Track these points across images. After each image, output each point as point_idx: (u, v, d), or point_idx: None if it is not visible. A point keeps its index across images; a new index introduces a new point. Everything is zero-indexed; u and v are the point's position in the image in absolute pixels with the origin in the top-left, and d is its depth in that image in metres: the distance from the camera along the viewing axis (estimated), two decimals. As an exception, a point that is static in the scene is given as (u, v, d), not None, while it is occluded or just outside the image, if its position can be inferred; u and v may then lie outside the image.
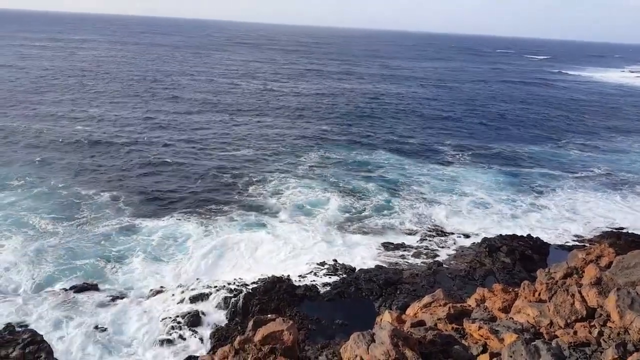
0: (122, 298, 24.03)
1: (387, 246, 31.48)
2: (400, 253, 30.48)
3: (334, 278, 26.72)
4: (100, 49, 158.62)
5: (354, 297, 24.59)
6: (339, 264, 28.48)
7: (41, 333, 19.99)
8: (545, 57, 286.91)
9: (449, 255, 30.43)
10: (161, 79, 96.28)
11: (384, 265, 28.35)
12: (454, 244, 32.37)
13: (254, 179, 42.10)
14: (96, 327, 21.49)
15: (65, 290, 24.17)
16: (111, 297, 23.90)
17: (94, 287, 24.70)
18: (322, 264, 28.50)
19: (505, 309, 10.13)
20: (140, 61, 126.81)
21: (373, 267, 27.80)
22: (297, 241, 31.55)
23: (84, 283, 24.89)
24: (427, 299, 11.06)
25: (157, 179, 41.37)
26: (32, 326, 20.92)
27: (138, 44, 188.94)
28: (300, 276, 26.95)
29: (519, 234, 31.74)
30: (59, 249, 28.67)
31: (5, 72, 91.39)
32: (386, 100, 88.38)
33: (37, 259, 27.36)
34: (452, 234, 33.96)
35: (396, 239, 32.54)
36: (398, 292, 24.67)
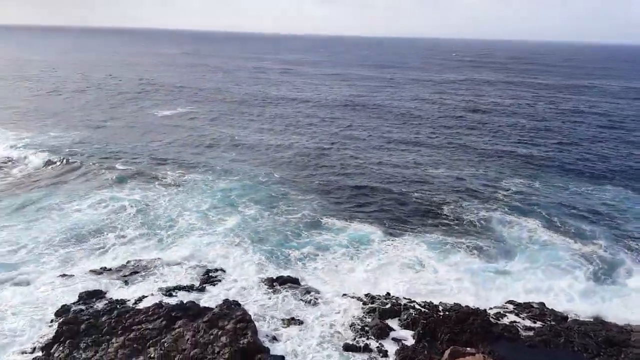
0: (317, 296, 25.49)
1: (612, 297, 26.34)
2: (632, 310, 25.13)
3: (539, 323, 23.54)
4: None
5: (563, 350, 21.18)
6: (547, 308, 25.00)
7: (250, 313, 22.55)
8: None
9: (702, 324, 23.82)
10: (359, 101, 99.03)
11: (605, 319, 23.78)
12: None
13: (449, 202, 40.11)
14: (292, 319, 23.25)
15: (273, 279, 26.91)
16: (307, 293, 25.62)
17: (295, 281, 26.88)
18: (527, 305, 25.41)
19: None
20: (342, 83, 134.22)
21: (591, 319, 23.59)
22: (497, 275, 28.83)
23: (288, 276, 27.33)
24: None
25: (354, 190, 42.89)
26: (244, 306, 23.74)
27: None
28: (498, 313, 24.55)
29: None
30: (267, 238, 32.64)
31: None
32: (620, 120, 75.46)
33: (250, 245, 31.50)
34: None
35: (624, 291, 26.97)
36: (622, 356, 20.36)
